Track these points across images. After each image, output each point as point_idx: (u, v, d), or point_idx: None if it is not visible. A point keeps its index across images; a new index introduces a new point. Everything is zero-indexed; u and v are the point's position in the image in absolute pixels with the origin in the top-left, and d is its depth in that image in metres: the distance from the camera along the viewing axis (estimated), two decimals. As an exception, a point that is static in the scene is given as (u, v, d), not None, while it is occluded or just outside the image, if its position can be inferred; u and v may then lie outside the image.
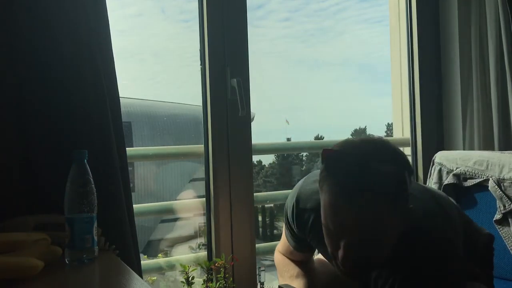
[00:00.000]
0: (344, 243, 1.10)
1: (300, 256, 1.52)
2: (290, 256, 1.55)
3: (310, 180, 1.35)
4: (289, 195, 1.41)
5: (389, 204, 1.07)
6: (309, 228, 1.33)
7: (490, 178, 1.91)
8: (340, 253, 1.11)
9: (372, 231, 1.08)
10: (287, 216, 1.42)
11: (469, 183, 1.98)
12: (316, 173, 1.26)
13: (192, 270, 1.77)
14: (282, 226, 1.47)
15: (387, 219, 1.08)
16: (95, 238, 1.21)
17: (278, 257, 1.59)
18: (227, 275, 1.82)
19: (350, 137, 1.38)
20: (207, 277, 1.82)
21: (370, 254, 1.12)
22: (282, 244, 1.56)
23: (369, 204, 1.06)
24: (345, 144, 1.14)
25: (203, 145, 1.96)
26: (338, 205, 1.09)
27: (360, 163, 1.06)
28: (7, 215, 1.31)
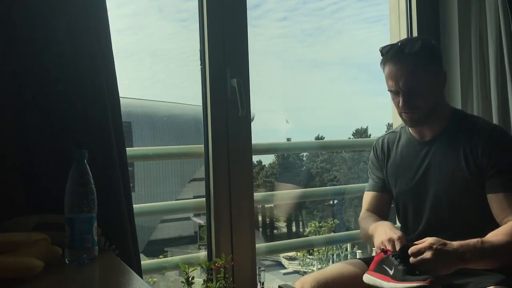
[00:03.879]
0: (401, 93, 1.59)
1: (377, 198, 1.82)
2: (371, 205, 1.82)
3: (384, 133, 1.85)
4: (373, 144, 1.87)
5: (420, 66, 1.59)
6: (385, 152, 1.80)
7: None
8: (401, 101, 1.60)
9: (415, 83, 1.58)
10: (376, 154, 1.83)
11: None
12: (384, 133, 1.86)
13: (192, 270, 1.77)
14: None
15: (422, 77, 1.58)
16: (95, 238, 1.21)
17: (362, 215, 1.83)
18: (227, 275, 1.82)
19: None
20: (207, 277, 1.82)
21: (420, 103, 1.59)
22: (363, 203, 1.86)
23: (408, 64, 1.58)
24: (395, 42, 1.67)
25: (203, 145, 1.96)
26: (393, 69, 1.60)
27: (399, 44, 1.62)
28: (7, 215, 1.31)
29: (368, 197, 1.84)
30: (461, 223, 1.60)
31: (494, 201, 1.52)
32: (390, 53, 1.62)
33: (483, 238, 1.44)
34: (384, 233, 1.52)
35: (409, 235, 1.70)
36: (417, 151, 1.69)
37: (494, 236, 1.45)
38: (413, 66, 1.58)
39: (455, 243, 1.41)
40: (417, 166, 1.68)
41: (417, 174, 1.67)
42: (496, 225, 1.51)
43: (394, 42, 2.45)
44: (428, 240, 1.41)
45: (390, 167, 1.76)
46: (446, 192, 1.61)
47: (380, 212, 1.78)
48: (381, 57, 1.66)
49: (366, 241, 1.75)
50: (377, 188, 1.81)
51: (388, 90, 1.65)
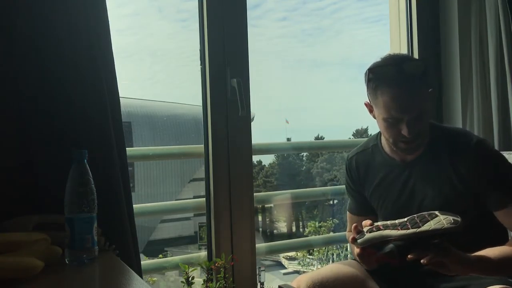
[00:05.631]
0: (406, 120, 1.46)
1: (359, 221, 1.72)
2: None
3: (354, 152, 1.74)
4: (346, 164, 1.77)
5: (424, 87, 1.49)
6: (361, 175, 1.70)
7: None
8: (404, 130, 1.46)
9: (418, 107, 1.46)
10: (350, 176, 1.74)
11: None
12: (353, 151, 1.75)
13: (192, 270, 1.77)
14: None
15: (425, 99, 1.49)
16: (95, 238, 1.21)
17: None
18: (227, 275, 1.82)
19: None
20: (207, 277, 1.82)
21: (421, 128, 1.49)
22: (348, 224, 1.80)
23: (414, 88, 1.46)
24: (382, 60, 1.53)
25: (203, 145, 1.96)
26: (395, 94, 1.45)
27: (396, 67, 1.46)
28: (7, 215, 1.31)
29: (351, 219, 1.78)
30: (453, 241, 1.55)
31: (504, 216, 1.49)
32: (389, 76, 1.46)
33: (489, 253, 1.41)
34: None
35: None
36: (397, 174, 1.61)
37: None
38: (418, 89, 1.46)
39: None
40: (400, 189, 1.61)
41: (401, 196, 1.61)
42: (485, 243, 1.47)
43: (394, 41, 2.45)
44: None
45: (370, 190, 1.69)
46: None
47: None
48: (371, 77, 1.50)
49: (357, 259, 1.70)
50: (358, 211, 1.75)
51: (384, 119, 1.49)
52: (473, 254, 1.39)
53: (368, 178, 1.68)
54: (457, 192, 1.52)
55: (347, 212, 1.81)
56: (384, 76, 1.47)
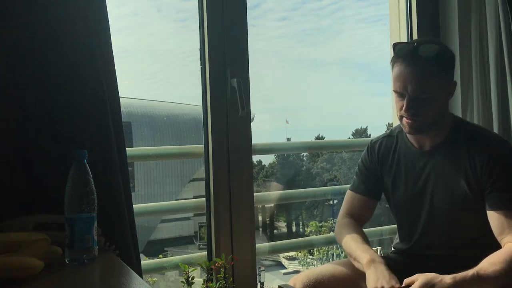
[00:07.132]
0: (406, 99, 1.52)
1: (364, 203, 1.74)
2: (355, 208, 1.74)
3: (379, 137, 1.77)
4: (367, 146, 1.78)
5: (435, 73, 1.51)
6: (381, 158, 1.73)
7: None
8: (404, 106, 1.53)
9: (424, 89, 1.50)
10: (370, 157, 1.75)
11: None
12: (378, 136, 1.78)
13: (192, 270, 1.77)
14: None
15: (435, 86, 1.51)
16: (95, 238, 1.21)
17: (346, 235, 1.68)
18: (227, 275, 1.82)
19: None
20: (207, 277, 1.82)
21: (425, 112, 1.52)
22: (347, 203, 1.77)
23: (421, 68, 1.50)
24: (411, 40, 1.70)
25: (203, 145, 1.96)
26: (404, 70, 1.52)
27: (415, 45, 1.53)
28: (7, 215, 1.31)
29: (353, 199, 1.75)
30: (457, 236, 1.59)
31: (494, 218, 1.49)
32: (403, 52, 1.53)
33: (480, 269, 1.39)
34: (375, 279, 1.47)
35: (406, 244, 1.71)
36: (415, 162, 1.63)
37: (492, 265, 1.40)
38: (426, 72, 1.49)
39: (449, 280, 1.35)
40: (416, 177, 1.63)
41: (415, 185, 1.63)
42: (492, 239, 1.49)
43: (394, 41, 2.45)
44: (418, 282, 1.36)
45: (386, 175, 1.70)
46: (444, 206, 1.58)
47: (364, 218, 1.74)
48: (394, 51, 1.58)
49: (346, 254, 1.68)
50: (367, 192, 1.74)
51: (393, 91, 1.56)
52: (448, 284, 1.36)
53: (387, 162, 1.70)
54: (470, 190, 1.52)
55: (348, 191, 1.78)
56: (399, 52, 1.55)
